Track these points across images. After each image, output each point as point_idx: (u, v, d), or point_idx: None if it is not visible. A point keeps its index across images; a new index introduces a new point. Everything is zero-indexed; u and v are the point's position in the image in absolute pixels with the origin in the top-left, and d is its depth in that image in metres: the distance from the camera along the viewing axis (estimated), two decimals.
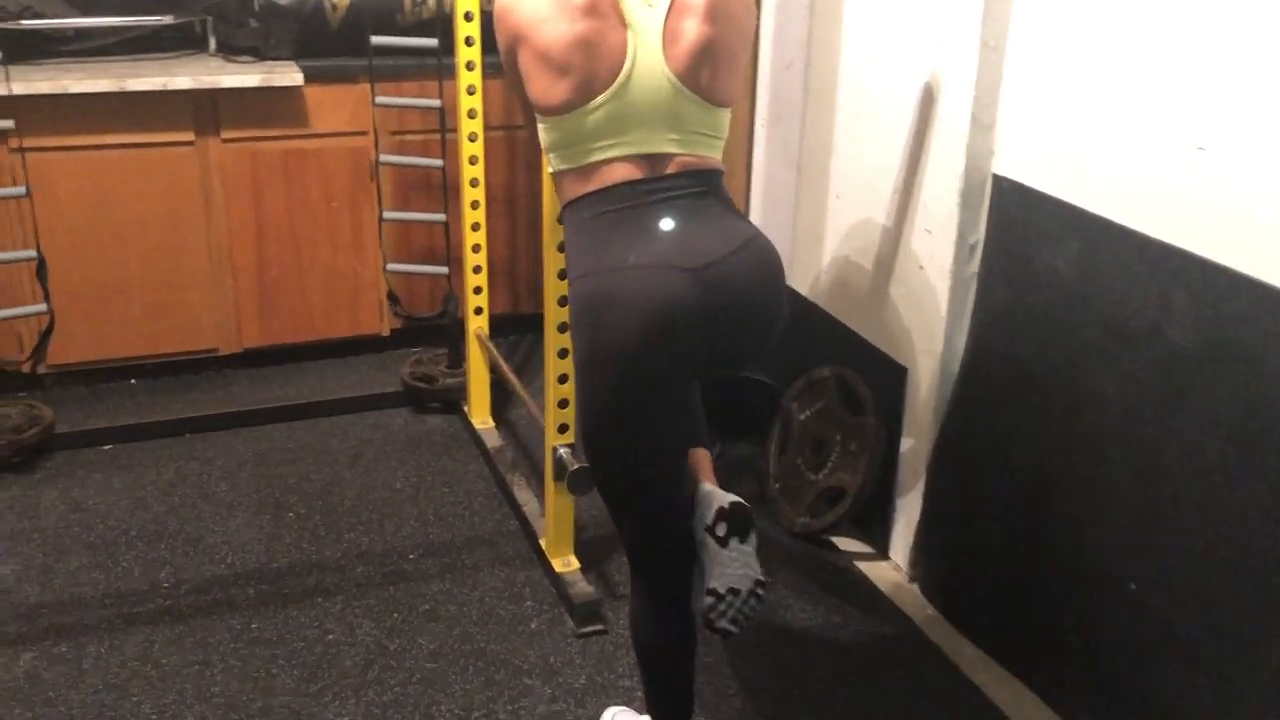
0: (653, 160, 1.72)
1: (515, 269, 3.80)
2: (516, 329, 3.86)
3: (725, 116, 1.79)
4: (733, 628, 1.78)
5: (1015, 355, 2.29)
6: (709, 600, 1.77)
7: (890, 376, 2.64)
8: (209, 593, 2.56)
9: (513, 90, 1.86)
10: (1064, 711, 2.22)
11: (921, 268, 2.50)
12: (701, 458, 1.96)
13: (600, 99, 1.70)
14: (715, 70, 1.73)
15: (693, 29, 1.70)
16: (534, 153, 3.67)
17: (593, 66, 1.69)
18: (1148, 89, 1.93)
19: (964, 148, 2.32)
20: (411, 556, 2.71)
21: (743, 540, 1.79)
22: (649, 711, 1.97)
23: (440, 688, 2.28)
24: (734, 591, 1.76)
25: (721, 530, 1.77)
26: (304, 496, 2.95)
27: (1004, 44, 2.25)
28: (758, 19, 1.86)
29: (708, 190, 1.75)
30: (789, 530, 2.82)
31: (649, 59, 1.70)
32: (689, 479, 1.91)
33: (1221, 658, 1.83)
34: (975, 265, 2.39)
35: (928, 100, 2.42)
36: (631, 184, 1.71)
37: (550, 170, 1.81)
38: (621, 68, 1.69)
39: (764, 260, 1.74)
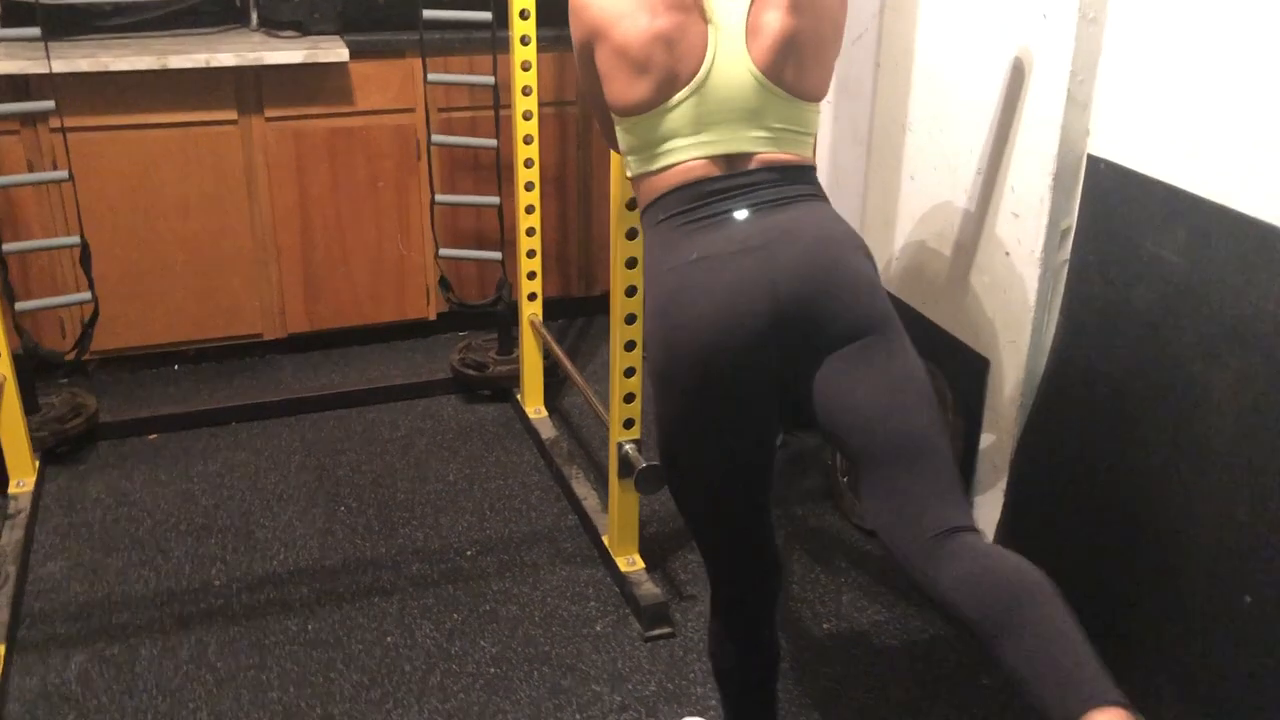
0: (733, 159, 1.60)
1: (565, 251, 3.69)
2: (566, 313, 3.76)
3: (814, 112, 1.66)
4: None
5: (1111, 350, 2.15)
6: None
7: (970, 369, 2.51)
8: (262, 591, 2.47)
9: (587, 90, 1.75)
10: None
11: (1008, 254, 2.37)
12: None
13: (680, 95, 1.58)
14: (801, 63, 1.61)
15: (776, 21, 1.57)
16: (586, 130, 3.58)
17: (673, 63, 1.57)
18: (1269, 60, 1.79)
19: (1058, 126, 2.17)
20: (469, 553, 2.62)
21: None
22: None
23: (505, 694, 2.19)
24: None
25: None
26: (355, 489, 2.87)
27: (1104, 15, 2.10)
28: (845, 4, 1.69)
29: (792, 183, 1.62)
30: (859, 526, 2.70)
31: (731, 53, 1.58)
32: None
33: None
34: (1066, 253, 2.26)
35: (1017, 75, 2.27)
36: (710, 180, 1.59)
37: (629, 174, 1.69)
38: (702, 63, 1.57)
39: (836, 227, 1.60)
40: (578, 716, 2.14)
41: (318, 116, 3.27)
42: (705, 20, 1.57)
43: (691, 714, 2.12)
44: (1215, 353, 1.93)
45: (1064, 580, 2.29)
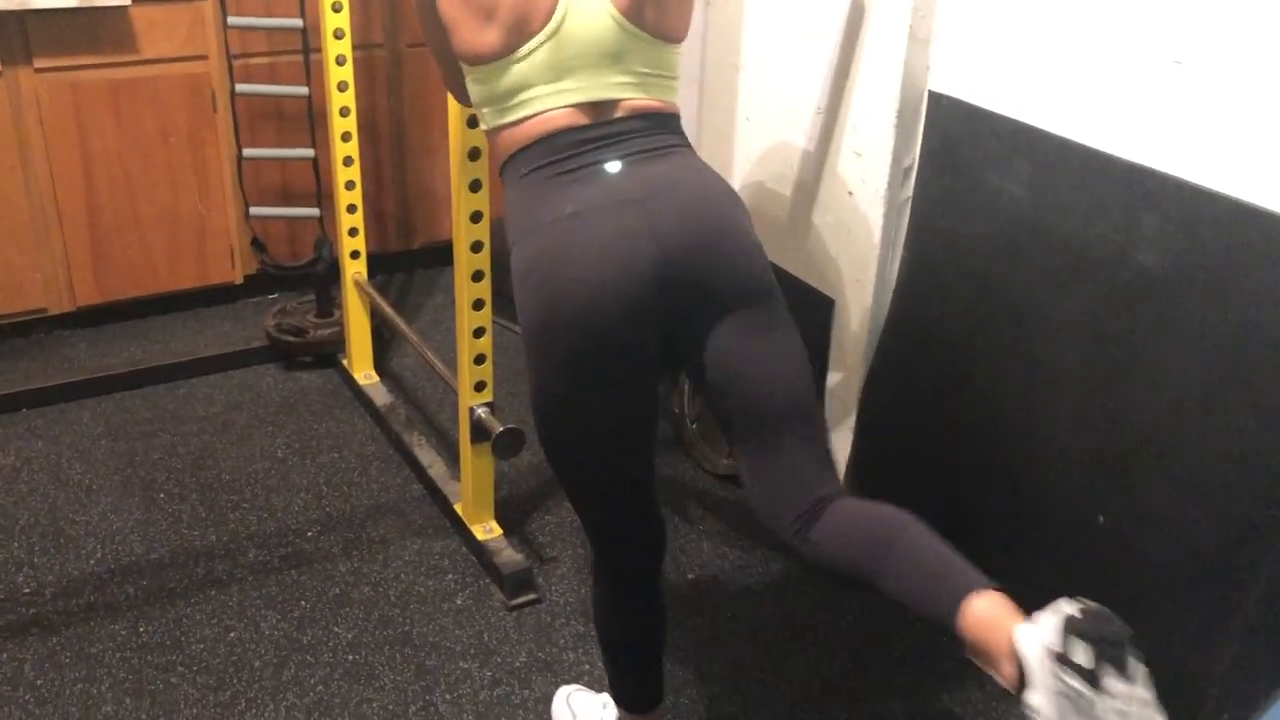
0: (598, 106, 1.50)
1: (381, 204, 3.50)
2: (385, 268, 3.57)
3: (677, 54, 1.58)
4: None
5: (956, 285, 2.18)
6: None
7: (815, 309, 2.51)
8: (81, 595, 2.25)
9: (430, 40, 1.61)
10: None
11: (850, 193, 2.36)
12: (990, 600, 1.34)
13: (534, 42, 1.47)
14: (662, 3, 1.52)
15: None
16: (397, 75, 3.38)
17: (524, 6, 1.46)
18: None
19: (900, 63, 2.17)
20: (309, 534, 2.46)
21: (1123, 673, 1.12)
22: (614, 698, 1.82)
23: (367, 681, 2.06)
24: None
25: (1083, 656, 1.11)
26: (174, 473, 2.64)
27: None
28: None
29: (662, 133, 1.54)
30: (712, 473, 2.69)
31: None
32: (983, 640, 1.28)
33: (1202, 587, 1.80)
34: (910, 190, 2.27)
35: (856, 12, 2.25)
36: (576, 130, 1.49)
37: (484, 129, 1.57)
38: (557, 5, 1.46)
39: (716, 187, 1.54)
40: (448, 696, 2.04)
41: (97, 66, 2.96)
42: None
43: (566, 683, 2.05)
44: (1060, 281, 1.97)
45: (916, 512, 2.35)
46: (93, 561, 2.34)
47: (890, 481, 2.44)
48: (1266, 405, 1.66)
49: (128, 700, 2.00)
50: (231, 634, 2.16)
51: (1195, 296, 1.75)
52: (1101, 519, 1.95)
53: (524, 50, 1.47)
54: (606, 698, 1.89)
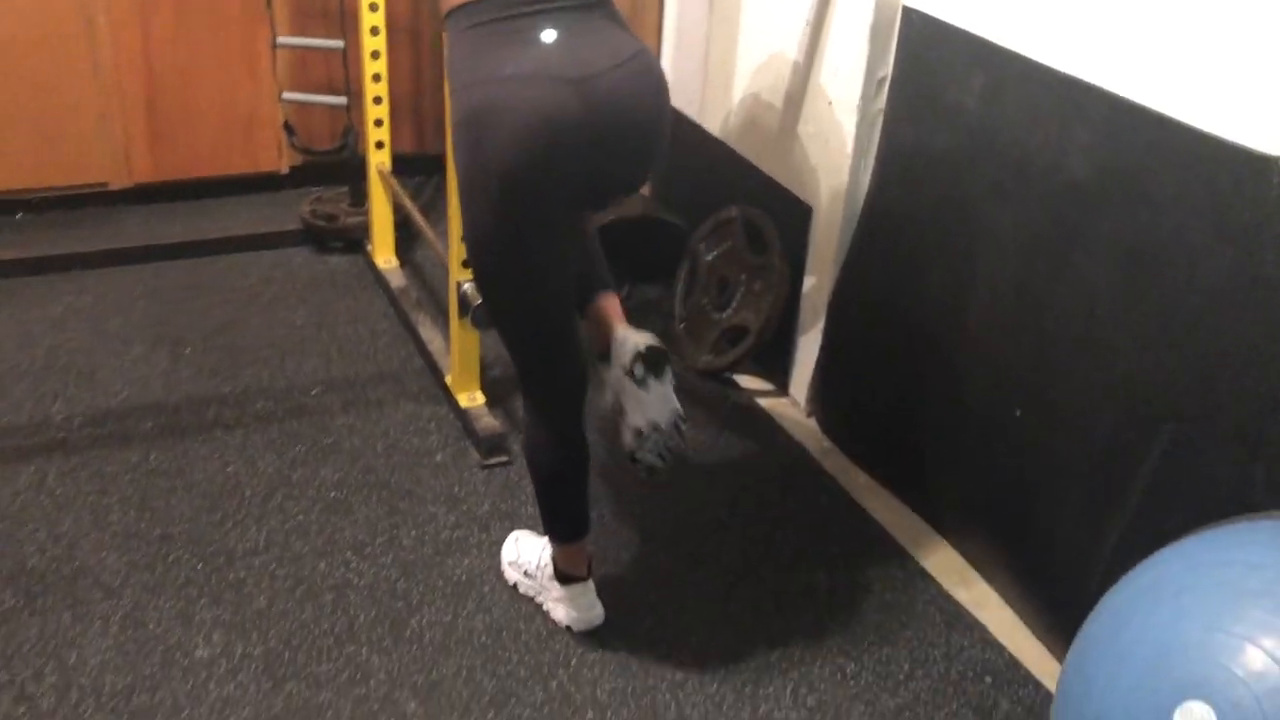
0: None
1: (420, 105, 3.69)
2: (423, 169, 3.76)
3: None
4: (657, 461, 1.88)
5: (917, 194, 2.31)
6: (632, 439, 1.86)
7: (796, 216, 2.65)
8: (103, 426, 2.51)
9: None
10: (948, 533, 2.32)
11: (830, 104, 2.49)
12: (611, 302, 1.99)
13: None
14: None
15: None
16: None
17: None
18: None
19: None
20: (314, 392, 2.69)
21: (659, 377, 1.89)
22: (547, 532, 2.01)
23: (344, 514, 2.29)
24: (655, 427, 1.86)
25: (639, 371, 1.87)
26: (201, 333, 2.89)
27: None
28: None
29: (593, 3, 1.70)
30: (693, 368, 2.85)
31: None
32: (601, 325, 1.95)
33: (1094, 474, 1.92)
34: (881, 102, 2.39)
35: None
36: None
37: None
38: None
39: (649, 77, 1.71)
40: (414, 533, 2.26)
41: None
42: None
43: (520, 529, 2.25)
44: (1002, 191, 2.09)
45: (874, 406, 2.49)
46: (118, 399, 2.60)
47: (852, 379, 2.58)
48: (1168, 305, 1.78)
49: (132, 512, 2.26)
50: (229, 468, 2.40)
51: (1115, 204, 1.86)
52: (1019, 412, 2.08)
53: None
54: (546, 539, 2.08)
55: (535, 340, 1.82)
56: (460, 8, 1.67)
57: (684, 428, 1.91)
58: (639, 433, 1.84)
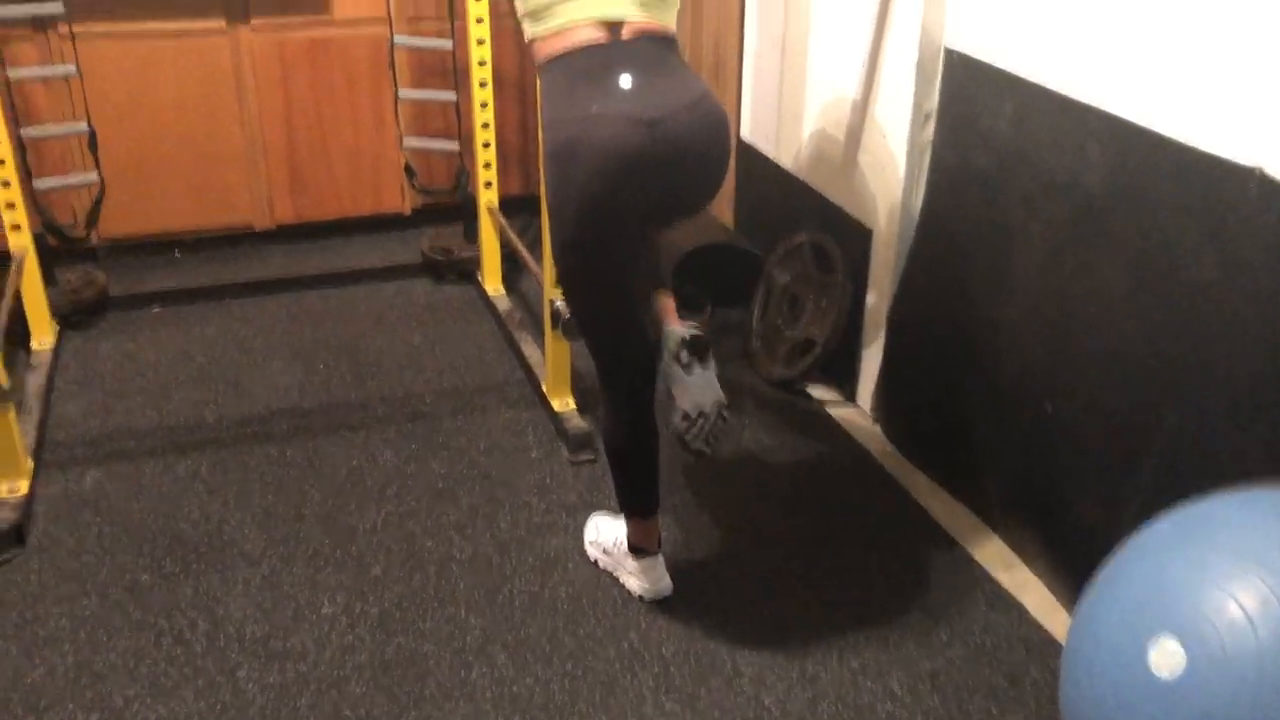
0: (612, 25, 1.97)
1: (527, 152, 4.06)
2: (528, 209, 4.12)
3: None
4: (705, 448, 2.15)
5: (962, 212, 2.54)
6: (682, 423, 2.14)
7: (858, 238, 2.90)
8: (248, 426, 2.90)
9: None
10: (995, 525, 2.52)
11: (885, 136, 2.75)
12: (665, 300, 2.28)
13: None
14: None
15: None
16: None
17: None
18: None
19: (919, 23, 2.54)
20: (428, 400, 3.04)
21: (703, 364, 2.16)
22: (621, 509, 2.29)
23: (449, 501, 2.61)
24: (702, 414, 2.12)
25: (685, 358, 2.13)
26: (332, 350, 3.28)
27: None
28: None
29: (663, 53, 2.01)
30: (767, 379, 3.11)
31: None
32: (655, 321, 2.24)
33: (1112, 452, 2.12)
34: (929, 132, 2.63)
35: None
36: (595, 46, 1.97)
37: (526, 39, 2.07)
38: None
39: (711, 118, 2.01)
40: (509, 518, 2.56)
41: (300, 26, 3.64)
42: None
43: (600, 513, 2.53)
44: (1031, 205, 2.32)
45: (930, 411, 2.71)
46: (259, 405, 2.99)
47: (910, 386, 2.81)
48: (1168, 296, 1.98)
49: (270, 496, 2.62)
50: (354, 461, 2.76)
51: (1122, 213, 2.08)
52: (1049, 406, 2.29)
53: None
54: (623, 521, 2.36)
55: (610, 331, 2.12)
56: (553, 59, 2.00)
57: (728, 415, 2.17)
58: (686, 416, 2.12)
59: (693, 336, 2.15)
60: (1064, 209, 2.22)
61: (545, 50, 2.01)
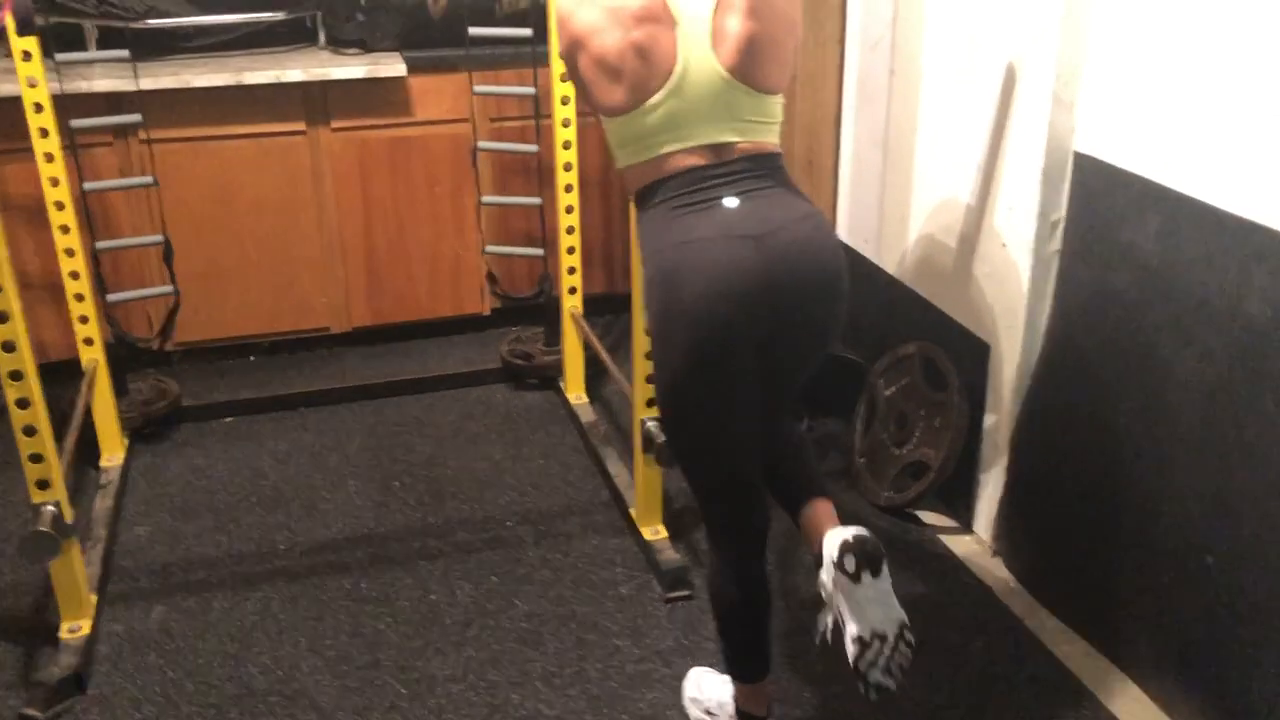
0: (713, 149, 1.81)
1: (611, 250, 3.91)
2: (612, 309, 3.97)
3: (777, 103, 1.87)
4: (888, 681, 1.74)
5: (1097, 333, 2.31)
6: (855, 649, 1.74)
7: (973, 353, 2.68)
8: (321, 555, 2.73)
9: (577, 90, 1.97)
10: (1141, 680, 2.25)
11: (1004, 245, 2.53)
12: (824, 506, 1.94)
13: (656, 99, 1.79)
14: (762, 61, 1.81)
15: (737, 25, 1.78)
16: None
17: (646, 70, 1.79)
18: (1230, 64, 1.94)
19: (1045, 125, 2.34)
20: (509, 524, 2.85)
21: (875, 575, 1.74)
22: (727, 670, 2.07)
23: (534, 646, 2.41)
24: (880, 637, 1.73)
25: (850, 565, 1.74)
26: (409, 467, 3.12)
27: (1086, 22, 2.27)
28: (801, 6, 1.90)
29: (768, 172, 1.83)
30: (873, 504, 2.88)
31: (700, 57, 1.79)
32: (815, 529, 1.90)
33: None
34: (1057, 243, 2.42)
35: (1010, 79, 2.44)
36: (696, 169, 1.80)
37: (618, 166, 1.91)
38: (674, 69, 1.78)
39: (822, 233, 1.82)
40: (599, 666, 2.35)
41: (379, 127, 3.55)
42: (673, 29, 1.78)
43: (702, 665, 2.31)
44: (1184, 331, 2.08)
45: (1062, 546, 2.46)
46: (334, 530, 2.83)
47: (1038, 517, 2.56)
48: None
49: (344, 636, 2.44)
50: (432, 596, 2.57)
51: None
52: (1210, 559, 2.03)
53: (649, 105, 1.80)
54: (728, 677, 2.14)
55: (719, 484, 1.92)
56: (649, 186, 1.84)
57: (912, 639, 1.76)
58: (861, 642, 1.72)
59: (856, 537, 1.75)
60: (1224, 338, 1.99)
61: (643, 177, 1.85)
